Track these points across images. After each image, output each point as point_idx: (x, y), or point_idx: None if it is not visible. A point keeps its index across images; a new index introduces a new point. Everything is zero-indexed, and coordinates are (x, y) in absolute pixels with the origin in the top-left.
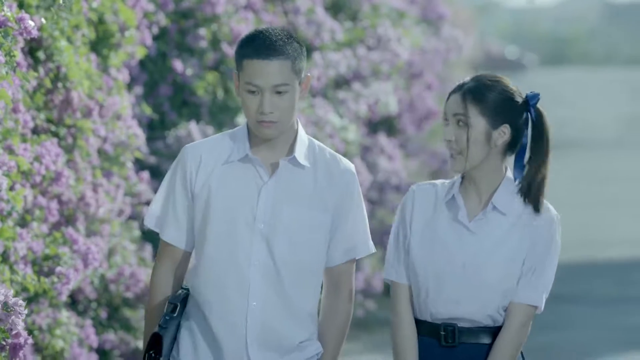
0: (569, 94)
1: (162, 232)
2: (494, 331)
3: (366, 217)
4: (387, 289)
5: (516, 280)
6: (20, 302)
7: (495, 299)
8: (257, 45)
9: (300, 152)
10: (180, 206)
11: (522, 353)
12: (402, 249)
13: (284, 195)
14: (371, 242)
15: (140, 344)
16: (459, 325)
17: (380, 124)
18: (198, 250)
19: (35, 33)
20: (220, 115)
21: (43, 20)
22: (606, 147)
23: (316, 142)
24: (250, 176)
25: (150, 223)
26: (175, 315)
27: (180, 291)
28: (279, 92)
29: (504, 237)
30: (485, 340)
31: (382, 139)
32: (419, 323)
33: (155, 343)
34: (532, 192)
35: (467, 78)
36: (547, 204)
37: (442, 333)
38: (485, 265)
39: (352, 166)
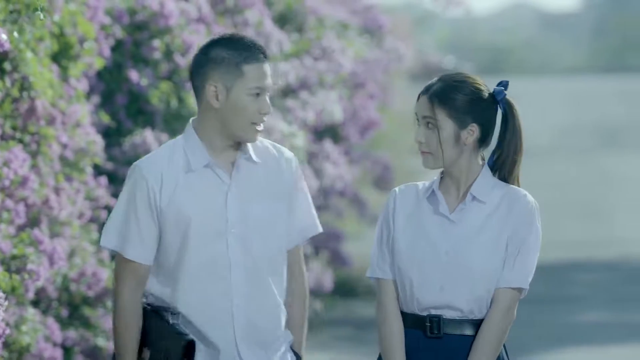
0: None
1: (124, 250)
2: (479, 323)
3: (310, 198)
4: (337, 289)
5: (499, 266)
6: (1, 294)
7: (479, 286)
8: (254, 49)
9: (252, 149)
10: (144, 223)
11: (504, 347)
12: (385, 247)
13: (247, 193)
14: (318, 222)
15: (100, 342)
16: (444, 316)
17: (325, 132)
18: (177, 263)
19: (7, 46)
20: (173, 123)
21: (16, 34)
22: (541, 154)
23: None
24: (213, 182)
25: (109, 243)
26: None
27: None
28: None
29: (485, 224)
30: (470, 332)
31: (328, 145)
32: (405, 316)
33: (189, 350)
34: (502, 175)
35: (435, 79)
36: (524, 191)
37: (428, 324)
38: (468, 251)
39: (292, 154)
